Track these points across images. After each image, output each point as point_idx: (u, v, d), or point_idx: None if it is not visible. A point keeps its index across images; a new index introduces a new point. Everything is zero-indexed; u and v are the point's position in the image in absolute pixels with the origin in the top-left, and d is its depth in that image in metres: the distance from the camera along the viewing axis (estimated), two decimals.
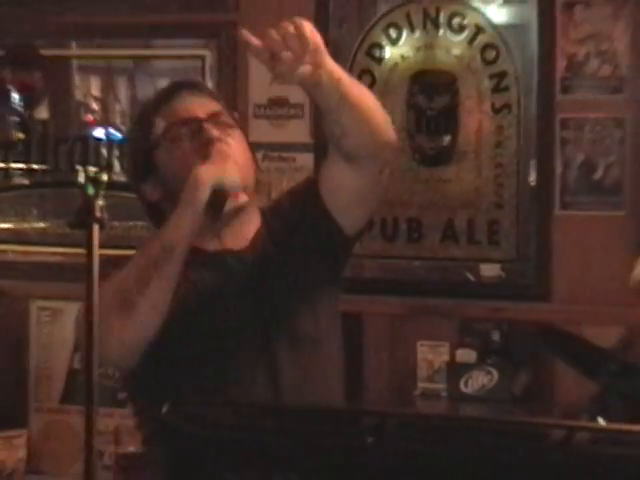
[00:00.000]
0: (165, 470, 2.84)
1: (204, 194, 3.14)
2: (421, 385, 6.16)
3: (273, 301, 3.38)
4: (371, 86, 6.30)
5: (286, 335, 3.38)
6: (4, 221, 6.80)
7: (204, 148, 3.30)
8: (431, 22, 6.40)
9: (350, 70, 6.17)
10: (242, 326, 3.31)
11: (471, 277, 6.36)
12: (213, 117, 3.41)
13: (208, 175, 3.16)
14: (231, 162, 3.26)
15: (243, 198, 3.26)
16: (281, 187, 6.11)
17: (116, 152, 6.51)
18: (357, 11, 6.64)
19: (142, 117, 3.59)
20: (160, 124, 3.45)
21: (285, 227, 3.54)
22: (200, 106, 3.46)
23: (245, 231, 3.43)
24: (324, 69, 3.06)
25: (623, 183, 6.09)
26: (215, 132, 3.33)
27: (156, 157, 3.41)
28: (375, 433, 2.03)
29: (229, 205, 3.21)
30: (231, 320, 3.32)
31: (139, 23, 6.78)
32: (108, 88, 7.01)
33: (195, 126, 3.34)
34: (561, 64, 6.09)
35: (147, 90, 6.65)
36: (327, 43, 3.72)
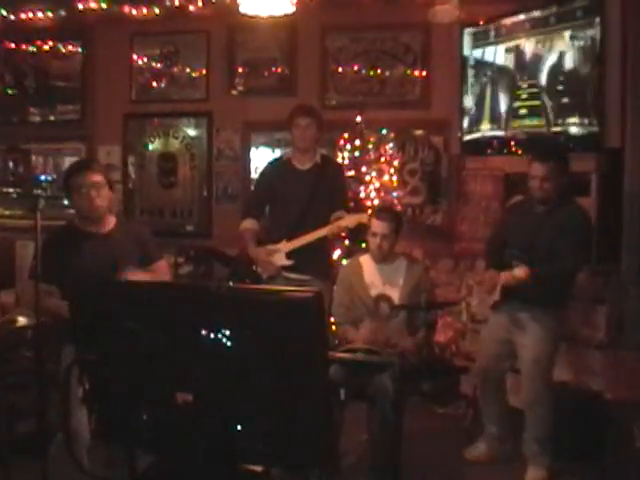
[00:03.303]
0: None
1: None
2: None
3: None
4: (143, 158, 8.50)
5: None
6: (7, 210, 8.79)
7: (90, 197, 4.12)
8: (165, 134, 8.42)
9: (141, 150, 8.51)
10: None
11: (184, 230, 8.40)
12: (96, 184, 4.16)
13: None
14: (100, 201, 4.12)
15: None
16: None
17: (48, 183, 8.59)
18: (140, 129, 8.53)
19: (67, 177, 4.28)
20: (74, 182, 4.19)
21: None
22: (91, 177, 4.18)
23: (106, 222, 4.28)
24: None
25: (239, 194, 8.06)
26: (94, 192, 4.13)
27: (71, 193, 4.19)
28: None
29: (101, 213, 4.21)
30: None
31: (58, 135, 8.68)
32: (45, 161, 8.81)
33: (88, 187, 4.13)
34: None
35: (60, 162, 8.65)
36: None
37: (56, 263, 4.00)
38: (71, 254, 4.10)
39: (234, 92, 8.21)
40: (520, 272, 4.60)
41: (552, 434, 4.79)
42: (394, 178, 6.88)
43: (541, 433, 4.79)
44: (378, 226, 4.97)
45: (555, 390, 4.98)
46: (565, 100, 5.99)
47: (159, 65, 8.42)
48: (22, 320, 5.14)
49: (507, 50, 6.54)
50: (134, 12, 7.92)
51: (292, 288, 2.38)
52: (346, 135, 6.83)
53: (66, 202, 4.44)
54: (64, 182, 4.30)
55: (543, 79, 6.19)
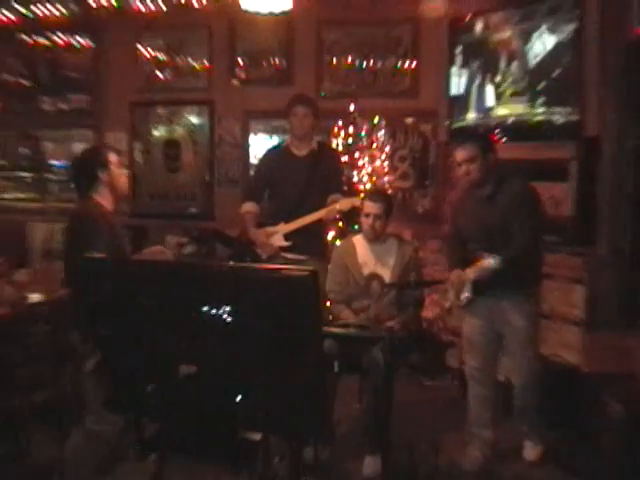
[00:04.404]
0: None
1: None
2: (170, 251, 7.22)
3: None
4: (149, 144, 8.51)
5: None
6: (21, 193, 8.81)
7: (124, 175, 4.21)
8: (170, 120, 8.46)
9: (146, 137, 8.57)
10: None
11: (187, 212, 8.38)
12: (120, 163, 4.22)
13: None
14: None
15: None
16: None
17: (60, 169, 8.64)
18: (146, 117, 8.57)
19: (96, 150, 4.47)
20: (110, 157, 4.16)
21: None
22: (116, 157, 4.21)
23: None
24: None
25: (239, 178, 8.12)
26: (124, 170, 4.24)
27: (107, 167, 4.12)
28: None
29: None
30: None
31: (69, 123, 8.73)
32: (57, 147, 8.79)
33: (117, 164, 4.18)
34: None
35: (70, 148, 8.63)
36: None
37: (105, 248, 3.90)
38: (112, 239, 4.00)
39: (234, 82, 8.21)
40: (489, 262, 4.43)
41: (541, 407, 4.70)
42: (385, 164, 6.87)
43: (534, 410, 4.69)
44: (370, 207, 4.94)
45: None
46: (546, 91, 5.97)
47: (164, 57, 8.44)
48: (36, 297, 5.11)
49: (492, 43, 6.51)
50: (142, 8, 8.01)
51: (290, 267, 2.33)
52: (340, 123, 6.83)
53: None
54: (101, 157, 4.21)
55: (526, 71, 6.18)
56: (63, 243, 4.20)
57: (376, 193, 5.31)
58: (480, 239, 4.57)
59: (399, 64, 7.60)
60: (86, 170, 4.16)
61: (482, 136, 4.93)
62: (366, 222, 4.99)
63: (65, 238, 4.18)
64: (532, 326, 4.62)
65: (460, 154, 4.58)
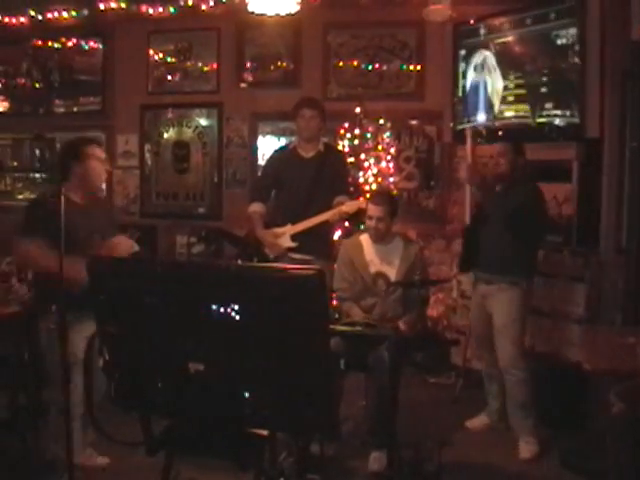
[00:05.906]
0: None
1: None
2: (179, 250, 8.14)
3: None
4: (158, 145, 8.48)
5: None
6: (34, 194, 8.25)
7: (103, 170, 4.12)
8: (179, 123, 8.43)
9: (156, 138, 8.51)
10: None
11: (196, 212, 8.37)
12: (99, 157, 4.10)
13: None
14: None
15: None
16: None
17: None
18: (156, 119, 8.54)
19: (81, 145, 4.17)
20: (92, 151, 4.10)
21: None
22: (99, 151, 4.16)
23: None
24: None
25: (247, 179, 8.10)
26: (107, 165, 4.20)
27: (85, 162, 4.07)
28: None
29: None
30: None
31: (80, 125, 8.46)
32: None
33: (102, 160, 4.14)
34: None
35: None
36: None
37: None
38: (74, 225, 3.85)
39: (243, 85, 8.21)
40: None
41: (533, 400, 4.78)
42: (390, 164, 6.88)
43: (521, 397, 4.79)
44: (373, 210, 4.95)
45: (535, 359, 5.06)
46: (549, 94, 5.97)
47: (174, 60, 8.45)
48: None
49: (495, 47, 6.50)
50: (151, 11, 8.02)
51: (297, 266, 2.31)
52: (346, 125, 6.84)
53: None
54: (77, 149, 4.18)
55: (529, 74, 6.17)
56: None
57: (379, 195, 5.30)
58: (485, 226, 4.96)
59: (404, 67, 7.62)
60: (60, 161, 4.24)
61: (515, 140, 5.20)
62: (370, 224, 5.00)
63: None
64: (513, 311, 4.88)
65: (495, 148, 5.06)
